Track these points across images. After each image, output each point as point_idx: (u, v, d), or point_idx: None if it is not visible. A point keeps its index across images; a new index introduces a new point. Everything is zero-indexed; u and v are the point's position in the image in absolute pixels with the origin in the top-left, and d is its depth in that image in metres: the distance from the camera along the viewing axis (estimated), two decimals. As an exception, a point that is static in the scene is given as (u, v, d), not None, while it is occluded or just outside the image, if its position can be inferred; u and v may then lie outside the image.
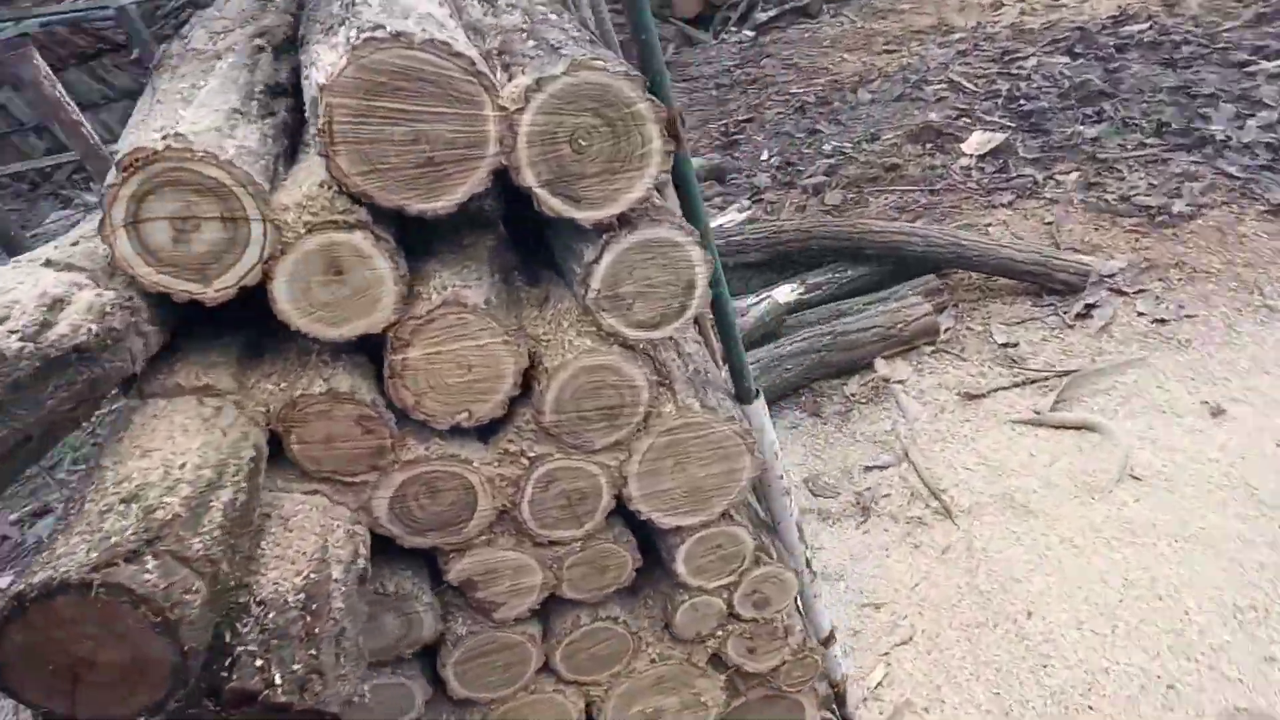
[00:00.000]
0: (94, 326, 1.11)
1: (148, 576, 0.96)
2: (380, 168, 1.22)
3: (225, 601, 1.11)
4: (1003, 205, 4.58)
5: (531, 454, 1.52)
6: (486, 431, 1.53)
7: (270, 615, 1.20)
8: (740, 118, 6.24)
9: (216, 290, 1.24)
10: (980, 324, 3.87)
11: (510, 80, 1.27)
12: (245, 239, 1.22)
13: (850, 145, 5.43)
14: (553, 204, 1.31)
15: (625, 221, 1.36)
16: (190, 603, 0.99)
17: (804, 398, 3.73)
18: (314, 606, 1.24)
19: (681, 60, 7.51)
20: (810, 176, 5.21)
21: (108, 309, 1.15)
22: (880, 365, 3.75)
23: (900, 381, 3.67)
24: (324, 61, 1.19)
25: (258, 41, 1.53)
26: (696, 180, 1.41)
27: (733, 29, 7.79)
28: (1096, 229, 4.20)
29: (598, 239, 1.37)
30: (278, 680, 1.07)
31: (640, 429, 1.54)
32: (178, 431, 1.20)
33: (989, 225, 4.43)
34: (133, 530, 1.00)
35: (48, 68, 1.54)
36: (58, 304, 1.09)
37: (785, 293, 4.07)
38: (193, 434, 1.20)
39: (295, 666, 1.10)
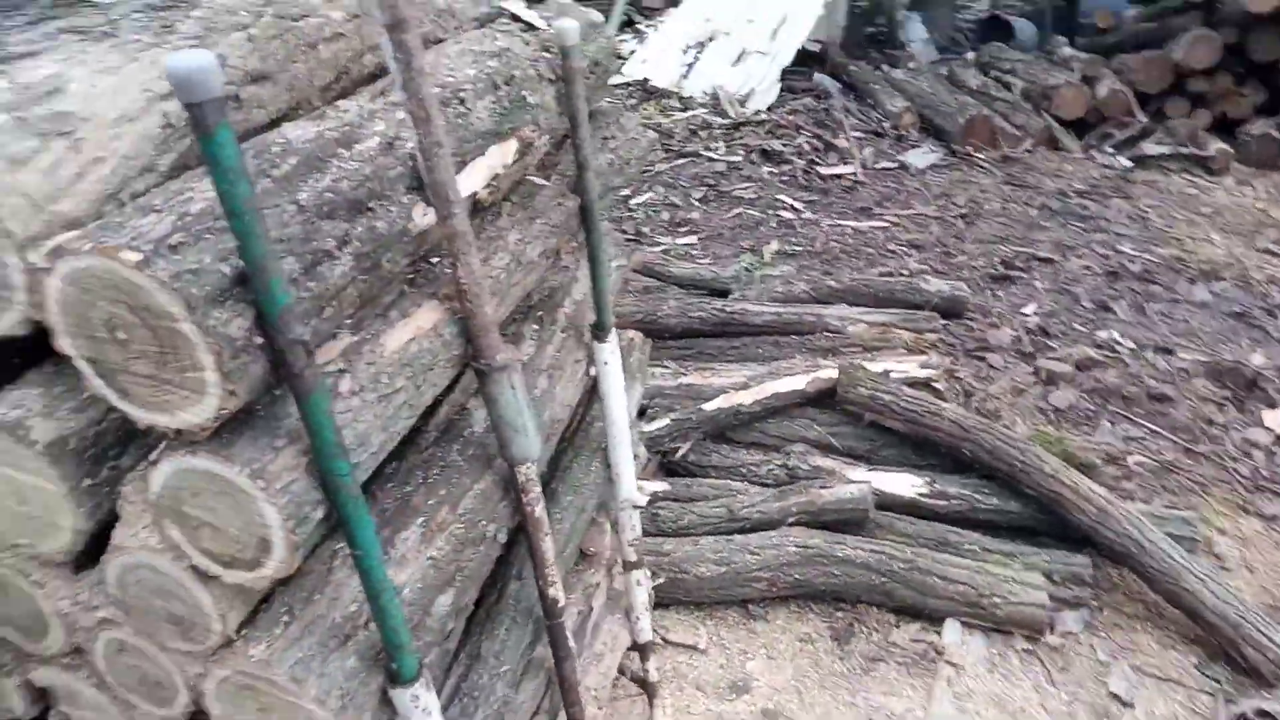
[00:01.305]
0: None
1: None
2: (-99, 270, 1.02)
3: None
4: (1263, 515, 3.41)
5: (102, 614, 1.28)
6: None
7: None
8: (1038, 254, 5.24)
9: None
10: (1109, 653, 2.92)
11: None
12: None
13: (1131, 346, 4.35)
14: (95, 385, 1.03)
15: (189, 440, 1.05)
16: None
17: (841, 614, 3.08)
18: None
19: (1029, 162, 6.47)
20: (1056, 360, 4.25)
21: None
22: (949, 629, 2.99)
23: (957, 666, 2.89)
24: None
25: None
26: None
27: (1109, 150, 6.54)
28: (1367, 614, 2.98)
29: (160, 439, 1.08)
30: None
31: (215, 656, 1.24)
32: None
33: (1222, 531, 3.33)
34: None
35: None
36: None
37: (903, 484, 3.37)
38: None
39: None
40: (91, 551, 1.23)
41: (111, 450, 1.20)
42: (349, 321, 1.23)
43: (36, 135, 0.98)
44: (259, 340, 1.00)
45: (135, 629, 1.27)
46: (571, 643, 1.84)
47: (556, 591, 1.74)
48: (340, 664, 1.26)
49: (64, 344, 1.01)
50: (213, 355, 0.95)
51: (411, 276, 1.40)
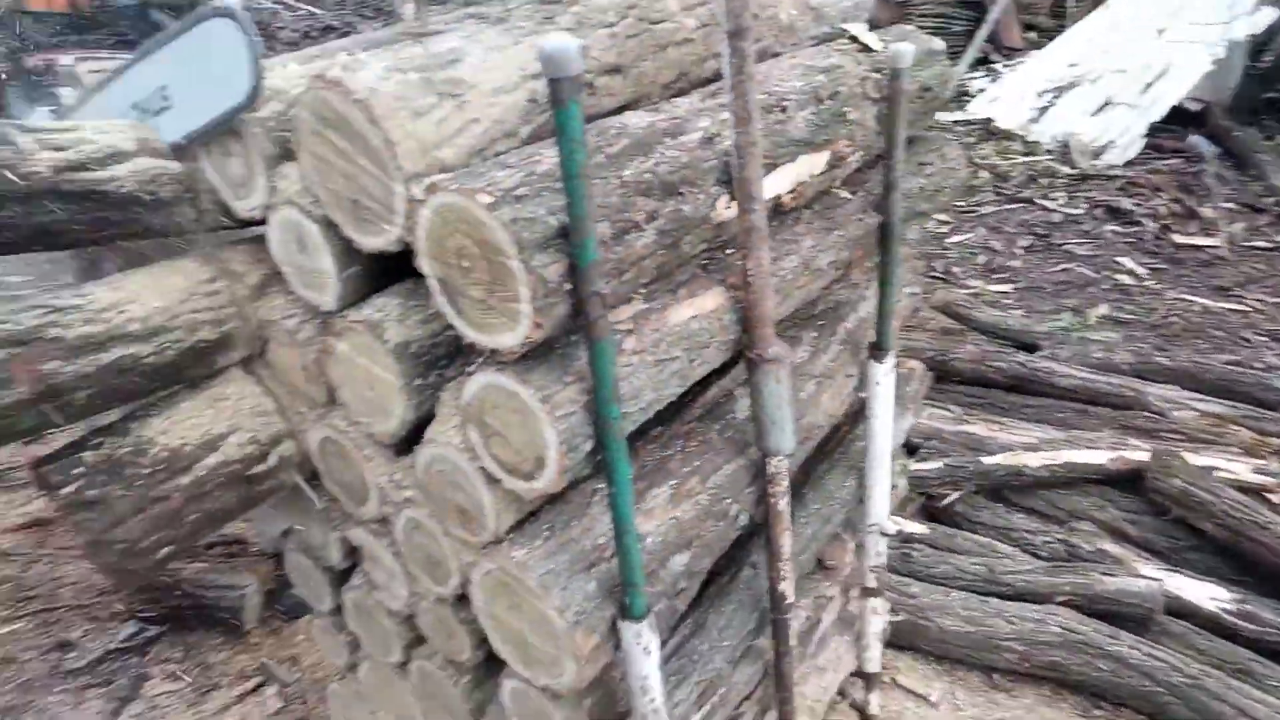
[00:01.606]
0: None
1: None
2: (327, 184, 1.32)
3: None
4: None
5: (408, 493, 1.55)
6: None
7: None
8: None
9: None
10: None
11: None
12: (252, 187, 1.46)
13: None
14: (440, 301, 1.27)
15: (500, 360, 1.25)
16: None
17: (1100, 713, 2.78)
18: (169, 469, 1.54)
19: None
20: None
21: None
22: (1228, 767, 2.60)
23: (1228, 806, 2.51)
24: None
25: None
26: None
27: None
28: None
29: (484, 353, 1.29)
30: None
31: (485, 549, 1.45)
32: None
33: None
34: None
35: None
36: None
37: (1204, 594, 2.97)
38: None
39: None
40: (409, 440, 1.50)
41: (441, 359, 1.46)
42: (643, 290, 1.38)
43: (435, 94, 1.24)
44: (568, 287, 1.17)
45: (429, 512, 1.52)
46: (793, 641, 1.89)
47: (787, 588, 1.79)
48: (582, 585, 1.42)
49: (423, 264, 1.26)
50: (530, 290, 1.14)
51: (705, 262, 1.53)
